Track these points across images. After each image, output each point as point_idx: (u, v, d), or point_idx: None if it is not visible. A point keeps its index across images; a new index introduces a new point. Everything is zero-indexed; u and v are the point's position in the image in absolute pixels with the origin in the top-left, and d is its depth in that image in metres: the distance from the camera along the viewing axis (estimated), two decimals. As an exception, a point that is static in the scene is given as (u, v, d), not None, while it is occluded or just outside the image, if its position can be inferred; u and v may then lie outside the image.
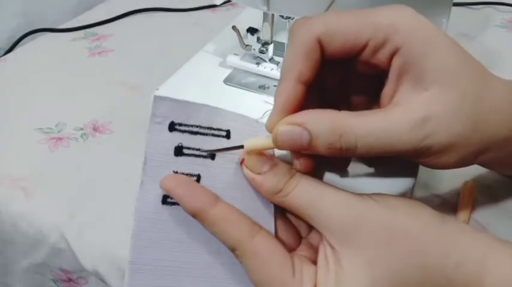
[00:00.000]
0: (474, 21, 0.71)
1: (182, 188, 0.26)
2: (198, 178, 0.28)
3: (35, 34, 0.68)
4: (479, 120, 0.26)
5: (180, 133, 0.28)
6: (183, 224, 0.27)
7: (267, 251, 0.26)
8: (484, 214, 0.41)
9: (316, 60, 0.27)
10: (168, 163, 0.27)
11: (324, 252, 0.26)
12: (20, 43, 0.67)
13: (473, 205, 0.42)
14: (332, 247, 0.26)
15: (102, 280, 0.40)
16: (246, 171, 0.28)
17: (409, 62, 0.26)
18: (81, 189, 0.44)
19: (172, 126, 0.28)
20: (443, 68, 0.26)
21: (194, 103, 0.28)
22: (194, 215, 0.26)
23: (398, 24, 0.26)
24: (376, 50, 0.26)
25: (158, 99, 0.27)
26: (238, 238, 0.26)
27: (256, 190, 0.28)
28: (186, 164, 0.28)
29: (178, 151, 0.28)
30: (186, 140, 0.28)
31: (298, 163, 0.28)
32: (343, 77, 0.30)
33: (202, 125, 0.28)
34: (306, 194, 0.26)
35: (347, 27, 0.26)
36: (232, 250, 0.26)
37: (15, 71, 0.59)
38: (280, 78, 0.27)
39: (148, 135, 0.27)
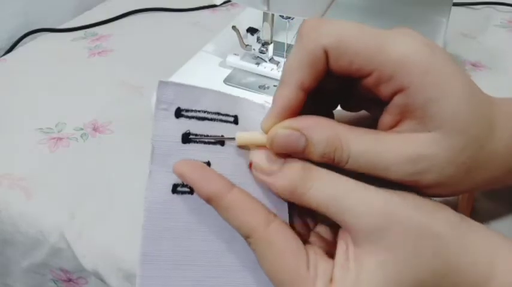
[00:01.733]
0: (474, 21, 0.71)
1: (197, 173, 0.26)
2: (208, 165, 0.27)
3: (35, 34, 0.68)
4: (474, 167, 0.26)
5: (187, 119, 0.27)
6: (194, 213, 0.27)
7: (281, 240, 0.25)
8: (484, 214, 0.41)
9: (320, 71, 0.26)
10: (176, 151, 0.27)
11: (345, 249, 0.25)
12: (20, 43, 0.67)
13: (473, 205, 0.42)
14: (356, 246, 0.25)
15: (102, 280, 0.40)
16: (256, 173, 0.27)
17: (413, 105, 0.25)
18: (81, 189, 0.44)
19: (178, 113, 0.27)
20: (452, 115, 0.25)
21: (200, 88, 0.27)
22: (209, 200, 0.26)
23: (410, 63, 0.24)
24: (380, 82, 0.26)
25: (163, 84, 0.26)
26: (252, 225, 0.25)
27: (271, 191, 0.27)
28: (194, 151, 0.27)
29: (186, 138, 0.27)
30: (193, 126, 0.27)
31: None
32: (342, 84, 0.30)
33: (209, 110, 0.27)
34: (327, 191, 0.25)
35: (357, 49, 0.25)
36: (246, 237, 0.25)
37: (15, 71, 0.59)
38: (281, 81, 0.27)
39: (155, 123, 0.27)
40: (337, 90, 0.30)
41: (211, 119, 0.28)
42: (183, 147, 0.27)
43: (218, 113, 0.28)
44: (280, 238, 0.25)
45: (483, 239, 0.26)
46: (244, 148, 0.28)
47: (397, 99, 0.25)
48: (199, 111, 0.27)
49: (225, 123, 0.28)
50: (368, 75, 0.26)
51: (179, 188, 0.27)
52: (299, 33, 0.27)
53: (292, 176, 0.26)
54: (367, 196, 0.25)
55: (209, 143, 0.27)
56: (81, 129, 0.50)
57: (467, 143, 0.25)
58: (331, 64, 0.26)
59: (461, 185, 0.27)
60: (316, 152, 0.25)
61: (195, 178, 0.26)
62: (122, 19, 0.70)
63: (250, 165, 0.27)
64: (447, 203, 0.41)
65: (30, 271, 0.45)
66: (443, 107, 0.25)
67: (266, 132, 0.27)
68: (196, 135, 0.27)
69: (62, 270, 0.43)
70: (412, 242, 0.24)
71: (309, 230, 0.29)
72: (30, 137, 0.49)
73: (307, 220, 0.29)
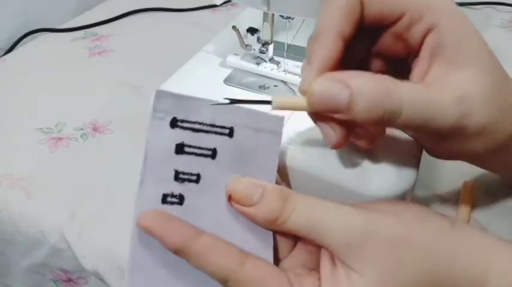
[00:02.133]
0: (474, 21, 0.70)
1: (161, 225, 0.25)
2: (198, 178, 0.27)
3: (35, 34, 0.68)
4: (507, 107, 0.27)
5: (182, 130, 0.27)
6: None
7: (261, 275, 0.25)
8: (484, 214, 0.41)
9: (357, 19, 0.26)
10: (168, 161, 0.27)
11: (330, 264, 0.26)
12: (20, 43, 0.67)
13: (473, 204, 0.42)
14: (341, 261, 0.25)
15: (102, 280, 0.40)
16: (236, 206, 0.27)
17: (444, 43, 0.26)
18: (81, 189, 0.44)
19: (174, 123, 0.27)
20: (478, 53, 0.26)
21: (197, 98, 0.27)
22: (178, 252, 0.25)
23: (437, 3, 0.26)
24: (411, 24, 0.27)
25: (160, 93, 0.26)
26: (229, 268, 0.25)
27: (252, 222, 0.27)
28: (186, 162, 0.27)
29: (180, 148, 0.27)
30: (188, 137, 0.27)
31: (333, 134, 0.26)
32: (365, 53, 0.29)
33: (204, 122, 0.27)
34: (305, 218, 0.25)
35: None
36: (224, 281, 0.25)
37: (15, 71, 0.59)
38: (317, 33, 0.26)
39: (149, 132, 0.27)
40: (358, 64, 0.30)
41: (205, 131, 0.27)
42: (175, 157, 0.27)
43: (213, 125, 0.28)
44: (259, 273, 0.25)
45: (476, 243, 0.26)
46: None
47: (429, 40, 0.26)
48: (194, 122, 0.27)
49: (219, 136, 0.28)
50: (399, 18, 0.27)
51: (169, 199, 0.27)
52: None
53: (272, 207, 0.26)
54: (343, 217, 0.25)
55: (201, 155, 0.27)
56: (81, 129, 0.50)
57: (495, 80, 0.26)
58: (366, 12, 0.26)
59: (499, 133, 0.27)
60: (361, 105, 0.24)
61: (159, 230, 0.25)
62: (122, 19, 0.70)
63: (229, 198, 0.27)
64: (447, 203, 0.41)
65: (30, 271, 0.45)
66: (471, 45, 0.26)
67: (304, 93, 0.25)
68: (190, 146, 0.27)
69: (62, 270, 0.43)
70: (393, 254, 0.25)
71: (294, 242, 0.29)
72: (30, 137, 0.49)
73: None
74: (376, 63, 0.30)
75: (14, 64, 0.61)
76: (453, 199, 0.42)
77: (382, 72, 0.29)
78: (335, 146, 0.27)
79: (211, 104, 0.27)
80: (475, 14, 0.73)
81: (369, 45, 0.29)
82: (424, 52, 0.27)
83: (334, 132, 0.26)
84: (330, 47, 0.25)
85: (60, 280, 0.44)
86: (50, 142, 0.49)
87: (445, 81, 0.26)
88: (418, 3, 0.26)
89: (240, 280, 0.25)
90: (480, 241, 0.26)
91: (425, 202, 0.42)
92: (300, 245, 0.29)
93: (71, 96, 0.55)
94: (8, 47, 0.67)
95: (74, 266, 0.42)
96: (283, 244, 0.28)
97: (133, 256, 0.26)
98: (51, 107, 0.53)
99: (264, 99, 0.26)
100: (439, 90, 0.26)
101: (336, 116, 0.25)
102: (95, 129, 0.50)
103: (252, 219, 0.27)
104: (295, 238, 0.29)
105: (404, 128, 0.25)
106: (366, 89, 0.24)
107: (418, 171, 0.33)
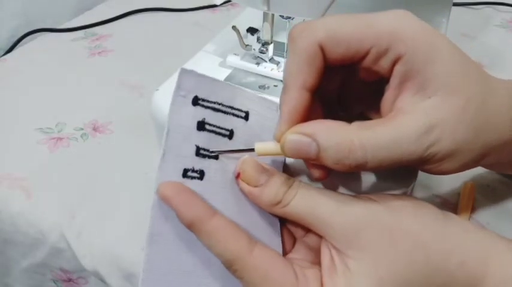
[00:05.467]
0: (474, 21, 0.71)
1: (180, 197, 0.26)
2: (217, 155, 0.28)
3: (35, 34, 0.68)
4: (481, 126, 0.26)
5: (203, 108, 0.28)
6: (203, 197, 0.27)
7: (268, 262, 0.25)
8: (484, 214, 0.41)
9: (319, 67, 0.26)
10: (190, 136, 0.27)
11: (329, 254, 0.26)
12: (20, 43, 0.67)
13: (473, 205, 0.42)
14: (337, 249, 0.26)
15: (102, 280, 0.40)
16: (243, 185, 0.28)
17: (412, 70, 0.26)
18: (81, 189, 0.44)
19: (195, 101, 0.28)
20: (447, 76, 0.25)
21: (218, 81, 0.29)
22: (191, 225, 0.25)
23: (400, 31, 0.26)
24: (379, 57, 0.26)
25: (184, 72, 0.27)
26: (237, 251, 0.25)
27: (254, 203, 0.28)
28: (207, 139, 0.28)
29: (201, 125, 0.28)
30: (208, 116, 0.28)
31: (315, 171, 0.28)
32: (341, 83, 0.30)
33: (224, 103, 0.29)
34: (305, 203, 0.26)
35: (349, 34, 0.26)
36: (229, 265, 0.25)
37: (15, 71, 0.59)
38: (284, 86, 0.27)
39: (172, 108, 0.27)
40: (337, 93, 0.30)
41: (224, 112, 0.29)
42: (197, 134, 0.28)
43: (232, 107, 0.29)
44: (266, 260, 0.26)
45: (475, 239, 0.26)
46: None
47: (398, 69, 0.26)
48: (214, 102, 0.28)
49: (236, 118, 0.29)
50: (366, 54, 0.26)
51: (189, 173, 0.27)
52: (290, 38, 0.27)
53: (276, 190, 0.27)
54: (340, 206, 0.26)
55: (220, 134, 0.28)
56: (81, 129, 0.50)
57: (466, 102, 0.26)
58: (330, 56, 0.26)
59: (474, 152, 0.27)
60: (329, 157, 0.25)
61: (178, 202, 0.26)
62: (121, 19, 0.70)
63: (237, 175, 0.28)
64: (447, 203, 0.41)
65: (30, 271, 0.45)
66: (438, 68, 0.25)
67: (278, 140, 0.27)
68: (210, 124, 0.28)
69: (62, 270, 0.43)
70: (386, 242, 0.25)
71: (294, 239, 0.29)
72: (30, 137, 0.49)
73: (297, 231, 0.30)
74: (355, 88, 0.30)
75: (14, 64, 0.61)
76: (453, 199, 0.42)
77: (363, 94, 0.30)
78: (318, 180, 0.29)
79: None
80: (475, 14, 0.73)
81: (344, 74, 0.29)
82: (393, 81, 0.27)
83: (316, 169, 0.28)
84: (295, 99, 0.27)
85: (60, 280, 0.44)
86: (50, 142, 0.49)
87: (412, 112, 0.26)
88: (382, 37, 0.26)
89: (246, 265, 0.25)
90: (478, 235, 0.26)
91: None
92: (299, 243, 0.29)
93: (71, 96, 0.55)
94: (8, 47, 0.67)
95: (74, 266, 0.42)
96: (284, 240, 0.29)
97: (153, 227, 0.27)
98: (51, 107, 0.53)
99: (248, 148, 0.28)
100: (405, 124, 0.25)
101: (311, 162, 0.27)
102: (95, 129, 0.50)
103: (254, 199, 0.27)
104: (294, 237, 0.29)
105: (374, 171, 0.26)
106: (330, 147, 0.25)
107: (417, 172, 0.33)
